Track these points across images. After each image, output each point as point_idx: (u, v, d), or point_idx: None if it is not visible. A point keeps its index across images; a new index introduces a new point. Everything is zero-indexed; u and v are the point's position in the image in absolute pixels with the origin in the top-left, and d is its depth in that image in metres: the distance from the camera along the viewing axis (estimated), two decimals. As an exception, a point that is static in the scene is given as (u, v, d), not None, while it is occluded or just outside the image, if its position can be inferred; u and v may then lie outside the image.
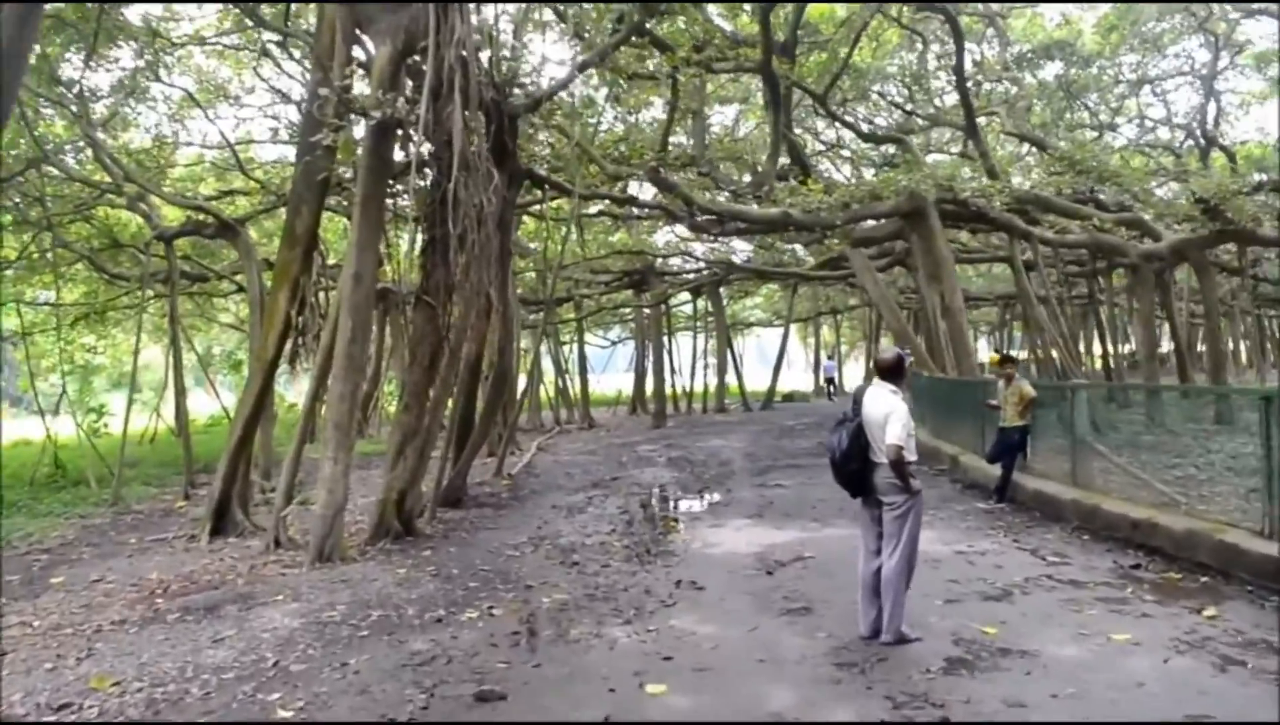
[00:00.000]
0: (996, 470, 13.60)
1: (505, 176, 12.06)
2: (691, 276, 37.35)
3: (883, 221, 23.22)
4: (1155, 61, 32.50)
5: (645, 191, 23.25)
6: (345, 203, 19.22)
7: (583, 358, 36.34)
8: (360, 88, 12.54)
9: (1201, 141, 33.83)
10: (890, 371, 7.10)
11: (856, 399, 7.22)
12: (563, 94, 13.98)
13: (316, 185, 12.45)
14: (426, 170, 12.07)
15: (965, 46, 29.13)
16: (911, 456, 6.91)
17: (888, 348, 7.55)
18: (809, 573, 9.35)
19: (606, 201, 20.25)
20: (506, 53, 12.27)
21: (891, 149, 29.22)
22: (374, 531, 11.65)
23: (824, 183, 19.13)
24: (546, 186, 14.94)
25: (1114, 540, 10.00)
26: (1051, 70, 30.93)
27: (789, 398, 44.20)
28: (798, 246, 35.79)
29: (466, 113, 11.29)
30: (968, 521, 11.80)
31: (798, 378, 58.33)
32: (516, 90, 12.43)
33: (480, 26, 11.54)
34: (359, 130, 11.88)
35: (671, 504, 14.53)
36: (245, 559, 11.15)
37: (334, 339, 11.19)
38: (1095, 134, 32.85)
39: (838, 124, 30.28)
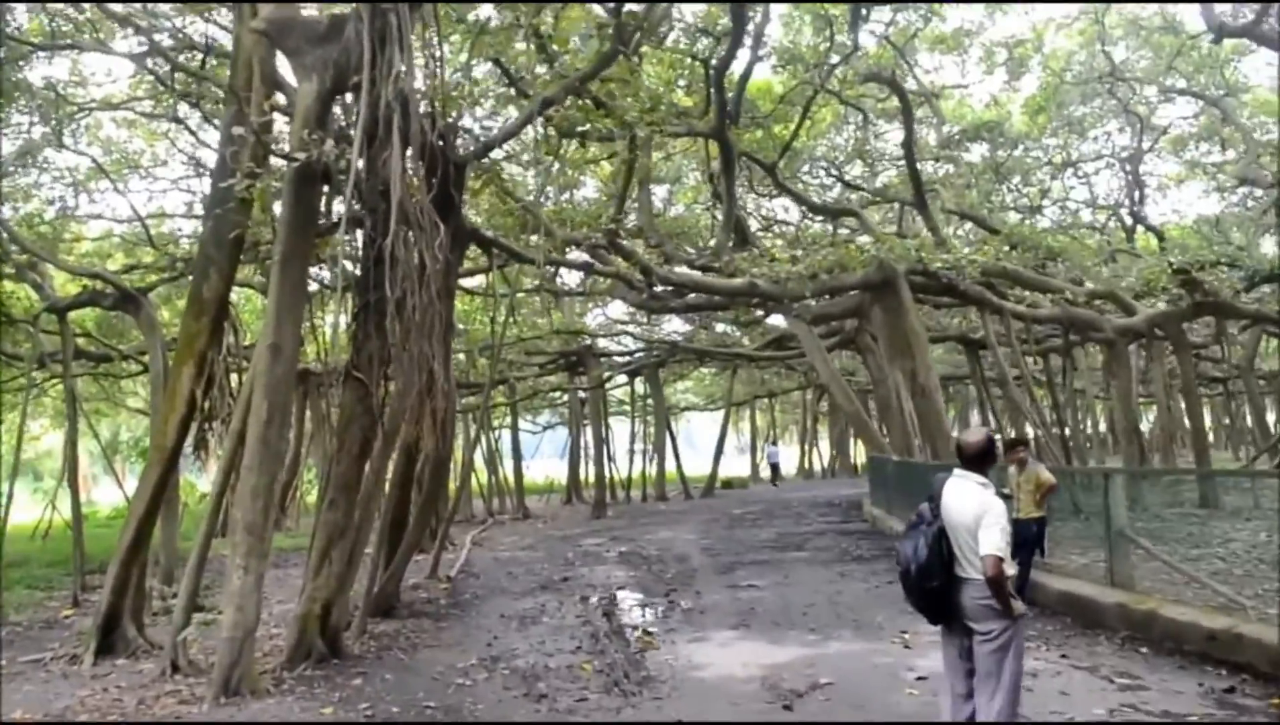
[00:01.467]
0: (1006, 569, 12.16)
1: (449, 234, 10.41)
2: (629, 358, 35.82)
3: (837, 298, 22.02)
4: (1077, 145, 32.52)
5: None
6: (263, 276, 17.41)
7: (516, 444, 34.42)
8: (283, 130, 10.95)
9: (1128, 222, 33.76)
10: (978, 457, 5.52)
11: (934, 495, 5.60)
12: (513, 145, 12.49)
13: (228, 244, 10.71)
14: (359, 225, 10.40)
15: (901, 123, 29.04)
16: (1010, 569, 5.31)
17: (974, 428, 5.98)
18: (837, 705, 7.64)
19: (551, 271, 18.59)
20: (453, 91, 10.67)
21: (829, 227, 28.47)
22: (292, 653, 9.69)
23: (789, 253, 17.79)
24: (494, 250, 13.29)
25: (1182, 654, 8.43)
26: (978, 152, 30.80)
27: (728, 484, 42.58)
28: (732, 327, 34.74)
29: (407, 158, 9.69)
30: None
31: (731, 463, 56.63)
32: (463, 135, 10.86)
33: (425, 56, 9.98)
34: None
35: (638, 611, 12.70)
36: (134, 689, 9.15)
37: (246, 423, 9.34)
38: (1019, 216, 32.51)
39: (777, 200, 29.51)
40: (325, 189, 10.11)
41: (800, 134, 23.43)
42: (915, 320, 17.99)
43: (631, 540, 21.53)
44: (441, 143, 10.36)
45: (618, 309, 34.49)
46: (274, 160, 10.24)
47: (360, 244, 10.65)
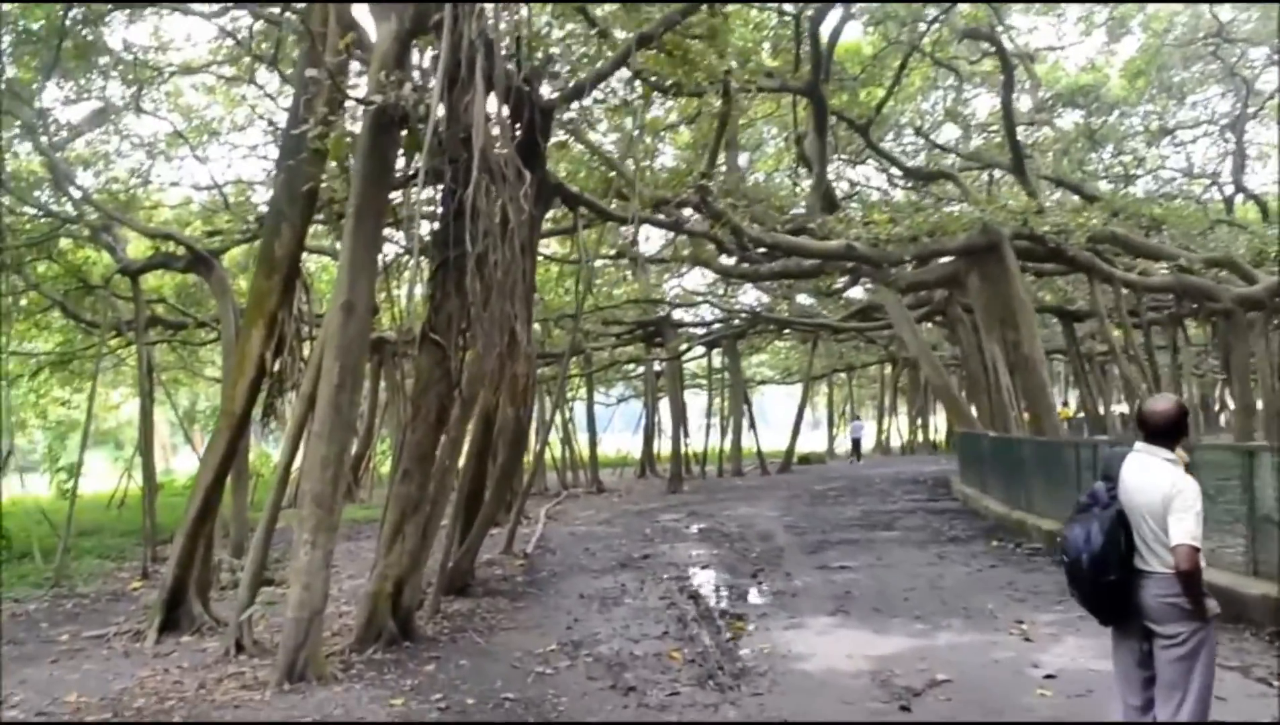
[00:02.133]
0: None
1: (534, 186, 9.70)
2: (707, 329, 35.00)
3: (931, 265, 21.00)
4: (1175, 111, 31.08)
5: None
6: (338, 239, 16.93)
7: (591, 416, 33.81)
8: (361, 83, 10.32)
9: (1228, 191, 32.22)
10: (1167, 430, 4.68)
11: (1108, 472, 4.77)
12: (598, 96, 11.73)
13: (300, 198, 10.11)
14: (438, 178, 9.72)
15: (993, 86, 27.93)
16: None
17: (1161, 397, 5.10)
18: (959, 706, 6.84)
19: (633, 234, 17.79)
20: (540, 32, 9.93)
21: (912, 196, 27.39)
22: (362, 634, 9.12)
23: (888, 214, 16.85)
24: (579, 208, 12.54)
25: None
26: (1070, 118, 29.59)
27: (805, 460, 41.59)
28: (812, 299, 33.75)
29: (490, 103, 9.00)
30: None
31: (806, 438, 55.24)
32: (549, 79, 10.12)
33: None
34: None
35: (724, 593, 11.96)
36: (196, 671, 8.64)
37: (316, 387, 8.75)
38: (1110, 185, 31.07)
39: (860, 167, 28.52)
40: (403, 136, 9.44)
41: (889, 97, 22.49)
42: (1020, 287, 16.96)
43: (710, 516, 20.82)
44: (527, 87, 9.64)
45: (694, 280, 33.78)
46: (350, 108, 9.63)
47: (439, 198, 10.02)
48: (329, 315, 9.02)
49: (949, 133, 29.83)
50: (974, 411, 23.75)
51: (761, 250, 16.86)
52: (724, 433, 38.24)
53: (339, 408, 8.44)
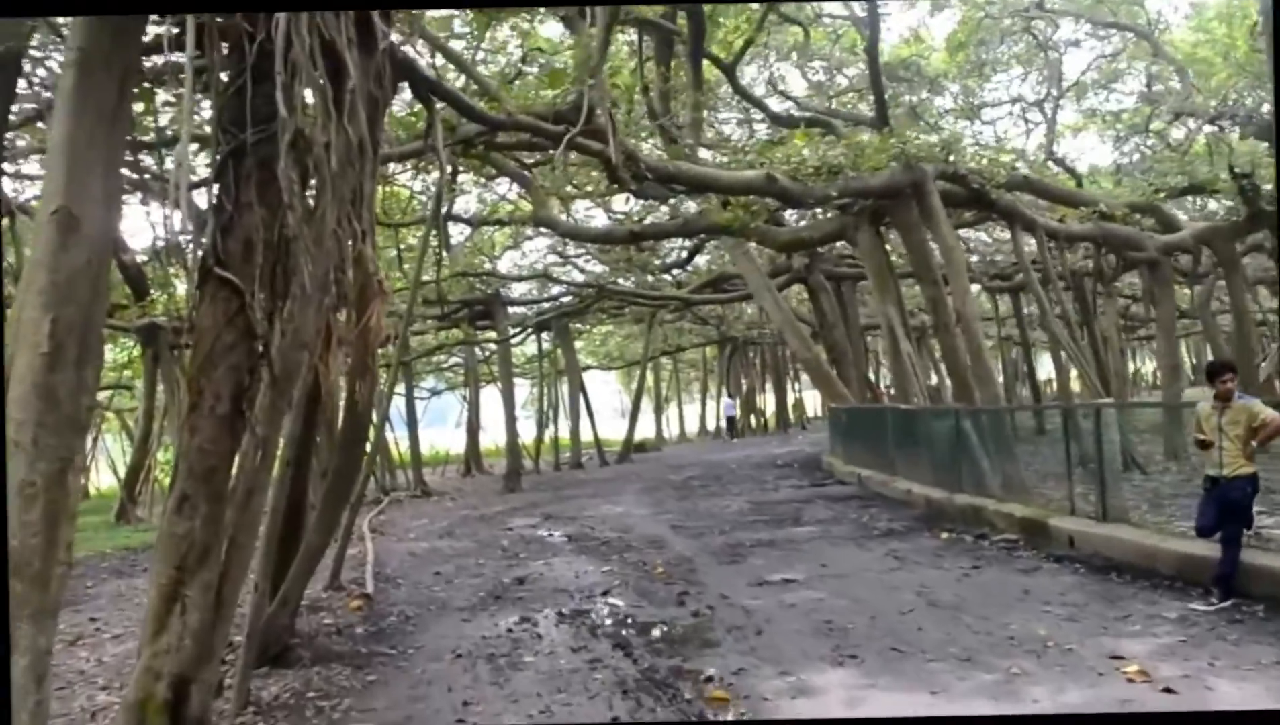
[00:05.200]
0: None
1: (384, 54, 6.19)
2: (537, 308, 31.62)
3: (818, 221, 18.40)
4: (984, 89, 30.45)
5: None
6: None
7: (411, 410, 29.90)
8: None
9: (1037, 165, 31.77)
10: None
11: None
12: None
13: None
14: (224, 37, 6.06)
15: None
16: None
17: None
18: None
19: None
20: None
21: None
22: (122, 766, 5.46)
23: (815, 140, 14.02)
24: (434, 106, 8.88)
25: None
26: (892, 91, 28.18)
27: (641, 447, 38.76)
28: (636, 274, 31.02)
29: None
30: (1234, 646, 6.58)
31: (613, 425, 52.23)
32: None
33: None
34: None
35: (655, 634, 8.66)
36: None
37: (13, 361, 5.01)
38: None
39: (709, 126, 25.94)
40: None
41: (753, 41, 19.81)
42: (949, 233, 14.37)
43: (571, 519, 17.58)
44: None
45: (507, 262, 30.32)
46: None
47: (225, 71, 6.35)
48: (36, 237, 5.27)
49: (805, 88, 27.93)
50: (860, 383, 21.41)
51: (663, 181, 13.61)
52: (554, 423, 35.10)
53: (53, 393, 4.74)
